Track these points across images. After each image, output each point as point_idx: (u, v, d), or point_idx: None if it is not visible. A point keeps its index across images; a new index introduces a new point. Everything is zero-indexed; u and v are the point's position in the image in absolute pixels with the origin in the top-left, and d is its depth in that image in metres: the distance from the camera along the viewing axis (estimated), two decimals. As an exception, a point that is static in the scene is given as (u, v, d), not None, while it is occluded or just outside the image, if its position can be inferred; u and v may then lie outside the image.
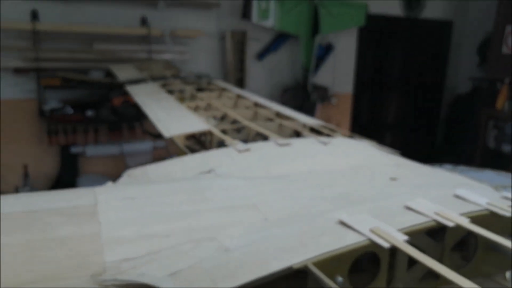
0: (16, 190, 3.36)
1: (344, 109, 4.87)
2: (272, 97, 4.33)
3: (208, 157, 1.05)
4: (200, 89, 2.08)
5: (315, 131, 1.36)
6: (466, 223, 0.63)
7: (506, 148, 4.42)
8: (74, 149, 3.61)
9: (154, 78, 2.21)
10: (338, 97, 4.73)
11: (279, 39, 4.24)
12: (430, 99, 5.59)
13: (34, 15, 3.24)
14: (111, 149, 3.73)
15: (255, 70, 4.20)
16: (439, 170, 1.07)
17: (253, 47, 4.14)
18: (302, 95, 4.26)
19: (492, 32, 4.49)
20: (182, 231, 0.66)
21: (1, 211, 0.68)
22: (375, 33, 4.97)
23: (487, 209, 0.69)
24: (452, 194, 0.76)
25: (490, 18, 4.50)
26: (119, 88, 3.14)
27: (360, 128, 5.29)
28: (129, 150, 3.80)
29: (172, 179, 0.93)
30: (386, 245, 0.58)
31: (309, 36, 4.11)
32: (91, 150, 3.65)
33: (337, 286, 0.53)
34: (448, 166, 1.22)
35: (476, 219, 0.67)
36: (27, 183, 3.40)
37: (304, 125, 1.38)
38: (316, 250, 0.58)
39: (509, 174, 1.21)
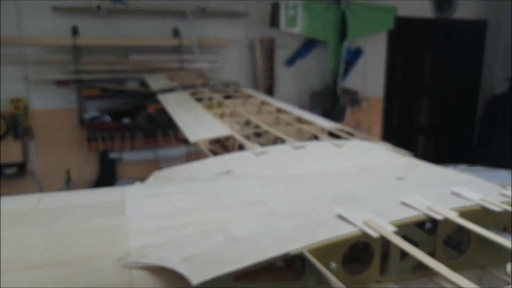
0: (61, 193, 3.61)
1: (375, 113, 4.83)
2: (301, 102, 4.40)
3: (227, 160, 1.14)
4: (227, 97, 2.19)
5: (333, 134, 1.42)
6: (454, 216, 0.68)
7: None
8: (112, 155, 3.83)
9: (184, 87, 2.34)
10: (369, 101, 4.71)
11: (308, 45, 4.29)
12: (465, 101, 5.45)
13: (75, 31, 3.49)
14: (147, 155, 3.92)
15: (284, 76, 4.27)
16: (450, 170, 1.10)
17: (282, 54, 4.22)
18: (332, 100, 4.29)
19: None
20: (196, 223, 0.75)
21: (45, 206, 0.80)
22: (406, 35, 4.91)
23: (479, 204, 0.74)
24: (450, 191, 0.80)
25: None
26: (153, 96, 3.32)
27: (391, 131, 5.24)
28: (164, 156, 3.98)
29: (192, 179, 1.03)
30: (375, 235, 0.64)
31: (337, 41, 4.14)
32: (128, 156, 3.86)
33: (327, 271, 0.60)
34: (463, 166, 1.24)
35: (467, 213, 0.71)
36: (69, 186, 3.64)
37: (322, 129, 1.45)
38: (313, 239, 0.65)
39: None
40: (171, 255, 0.67)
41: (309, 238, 0.66)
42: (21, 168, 3.61)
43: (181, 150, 3.93)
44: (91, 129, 3.61)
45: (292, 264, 0.70)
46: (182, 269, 0.63)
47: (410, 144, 5.53)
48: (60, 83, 3.55)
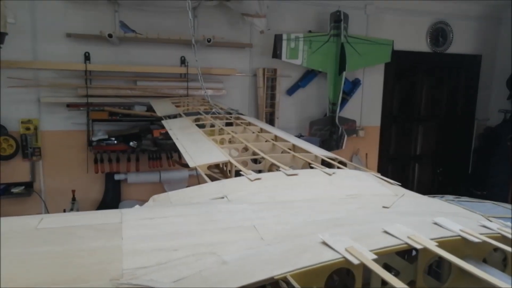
0: (64, 212, 3.65)
1: (372, 141, 4.93)
2: (301, 130, 4.48)
3: (223, 185, 1.18)
4: (228, 124, 2.25)
5: (325, 163, 1.47)
6: (433, 246, 0.71)
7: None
8: (117, 177, 3.89)
9: (187, 114, 2.41)
10: (366, 129, 4.80)
11: (308, 75, 4.43)
12: (461, 131, 5.60)
13: (87, 57, 3.62)
14: (151, 177, 3.99)
15: (285, 104, 4.37)
16: (435, 200, 1.13)
17: (283, 83, 4.34)
18: (330, 128, 4.36)
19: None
20: (188, 246, 0.78)
21: (44, 226, 0.85)
22: (403, 67, 5.08)
23: (459, 235, 0.77)
24: (432, 221, 0.84)
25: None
26: (158, 121, 3.40)
27: (388, 159, 5.32)
28: (167, 178, 4.04)
29: (188, 203, 1.07)
30: (356, 262, 0.68)
31: (336, 72, 4.25)
32: (132, 178, 3.92)
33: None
34: (450, 197, 1.27)
35: (447, 243, 0.75)
36: (74, 206, 3.69)
37: (316, 157, 1.49)
38: (297, 264, 0.69)
39: (508, 205, 1.24)
40: (162, 276, 0.70)
41: (294, 263, 0.69)
42: (28, 188, 3.68)
43: (184, 173, 3.99)
44: (98, 151, 3.69)
45: (278, 286, 0.73)
46: (171, 290, 0.66)
47: (405, 171, 5.62)
48: (70, 106, 3.66)
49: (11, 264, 0.70)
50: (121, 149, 3.74)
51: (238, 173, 1.35)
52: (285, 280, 0.67)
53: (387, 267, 0.78)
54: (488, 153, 5.28)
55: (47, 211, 3.82)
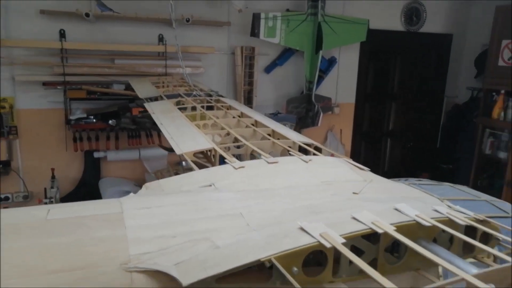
0: (45, 191, 3.69)
1: (347, 118, 5.11)
2: (278, 107, 4.60)
3: (209, 173, 1.29)
4: (209, 107, 2.33)
5: (303, 149, 1.60)
6: (391, 230, 0.86)
7: (501, 155, 4.64)
8: (97, 154, 3.93)
9: (168, 96, 2.47)
10: (341, 106, 4.97)
11: (285, 53, 4.50)
12: (431, 109, 5.85)
13: (62, 34, 3.56)
14: (130, 154, 4.04)
15: (263, 82, 4.45)
16: (400, 185, 1.29)
17: (261, 62, 4.40)
18: (307, 106, 4.50)
19: (489, 46, 4.69)
20: (184, 233, 0.90)
21: (53, 217, 0.94)
22: (377, 46, 5.21)
23: (414, 220, 0.91)
24: (393, 208, 0.98)
25: (487, 32, 4.70)
26: (137, 99, 3.43)
27: (362, 135, 5.55)
28: (146, 155, 4.11)
29: (180, 192, 1.18)
30: (328, 245, 0.81)
31: (313, 51, 4.34)
32: (112, 155, 3.97)
33: (289, 275, 0.76)
34: (413, 180, 1.43)
35: (403, 228, 0.89)
36: (54, 185, 3.72)
37: (294, 143, 1.61)
38: (279, 248, 0.82)
39: (462, 187, 1.42)
40: (164, 260, 0.82)
41: (276, 247, 0.82)
42: (6, 166, 3.67)
43: (163, 150, 4.06)
44: (77, 129, 3.70)
45: (263, 268, 0.86)
46: (174, 272, 0.78)
47: (378, 147, 5.88)
48: (47, 84, 3.62)
49: (28, 254, 0.79)
50: (100, 127, 3.75)
51: (222, 157, 1.46)
52: (269, 261, 0.80)
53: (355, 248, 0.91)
54: (455, 130, 5.57)
55: (26, 189, 3.84)
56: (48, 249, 0.82)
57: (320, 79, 4.75)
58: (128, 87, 3.60)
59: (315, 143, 1.65)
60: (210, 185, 1.22)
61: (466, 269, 0.76)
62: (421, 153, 5.90)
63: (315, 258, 0.89)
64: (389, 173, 5.72)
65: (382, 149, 5.92)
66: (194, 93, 2.50)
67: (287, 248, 0.81)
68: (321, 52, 4.39)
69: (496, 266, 0.74)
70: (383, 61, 5.51)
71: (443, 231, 0.92)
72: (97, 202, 1.05)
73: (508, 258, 0.80)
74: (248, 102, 4.36)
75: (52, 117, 3.77)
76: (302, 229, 0.88)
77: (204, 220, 0.96)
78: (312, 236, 0.84)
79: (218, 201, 1.07)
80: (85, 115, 3.71)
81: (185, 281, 0.75)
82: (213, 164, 1.53)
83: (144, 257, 0.82)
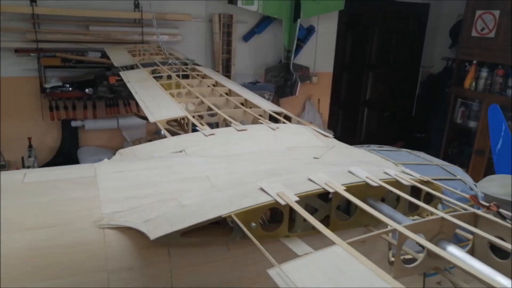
0: (22, 160, 3.69)
1: (324, 87, 5.18)
2: (257, 76, 4.62)
3: (181, 140, 1.36)
4: (185, 75, 2.36)
5: (273, 117, 1.67)
6: (341, 190, 0.95)
7: (471, 124, 4.83)
8: (74, 123, 3.92)
9: (144, 65, 2.48)
10: (319, 76, 5.02)
11: (264, 22, 4.48)
12: (407, 78, 5.98)
13: (33, -1, 3.46)
14: (108, 123, 4.04)
15: (241, 51, 4.45)
16: (360, 150, 1.38)
17: (239, 30, 4.38)
18: (285, 75, 4.54)
19: (464, 16, 4.76)
20: (154, 194, 0.98)
21: (29, 181, 1.00)
22: (355, 16, 5.24)
23: (364, 181, 1.01)
24: (347, 171, 1.07)
25: (463, 2, 4.76)
26: (114, 67, 3.41)
27: (339, 104, 5.65)
28: (125, 124, 4.12)
29: (151, 157, 1.24)
30: (283, 203, 0.90)
31: (291, 19, 4.34)
32: (90, 124, 3.96)
33: (247, 229, 0.85)
34: (374, 147, 1.53)
35: (354, 188, 0.99)
36: (32, 154, 3.72)
37: (265, 112, 1.68)
38: (239, 206, 0.90)
39: (420, 153, 1.53)
40: (134, 218, 0.90)
41: (237, 205, 0.90)
42: (-20, 136, 3.63)
43: (141, 120, 4.07)
44: (53, 98, 3.66)
45: (225, 223, 0.95)
46: (143, 228, 0.86)
47: (355, 116, 6.02)
48: (19, 51, 3.54)
49: (6, 213, 0.86)
50: (77, 96, 3.73)
51: (195, 126, 1.52)
52: (230, 218, 0.88)
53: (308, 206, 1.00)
54: (429, 99, 5.73)
55: (3, 159, 3.83)
56: (25, 208, 0.88)
57: (298, 48, 4.77)
58: (104, 55, 3.56)
59: (285, 112, 1.73)
60: (181, 151, 1.28)
61: (401, 222, 0.87)
62: (397, 122, 6.07)
63: (279, 215, 0.98)
64: (366, 142, 5.88)
65: (359, 118, 6.06)
66: (170, 61, 2.52)
67: (246, 205, 0.90)
68: (299, 20, 4.39)
69: (426, 218, 0.85)
70: (361, 30, 5.54)
71: (390, 191, 1.02)
72: (71, 167, 1.11)
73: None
74: (227, 70, 4.37)
75: (27, 85, 3.71)
76: (261, 189, 0.96)
77: (172, 183, 1.04)
78: (270, 195, 0.93)
79: (187, 166, 1.14)
80: (60, 84, 3.67)
81: (152, 236, 0.83)
82: (186, 132, 1.59)
83: (116, 216, 0.90)
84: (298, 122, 1.62)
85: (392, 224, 0.81)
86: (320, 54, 5.07)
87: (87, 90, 3.73)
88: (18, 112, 3.75)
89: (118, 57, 2.89)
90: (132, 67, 2.54)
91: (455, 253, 0.77)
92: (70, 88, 3.70)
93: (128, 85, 2.13)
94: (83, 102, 3.82)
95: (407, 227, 0.78)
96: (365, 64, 5.77)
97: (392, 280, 0.63)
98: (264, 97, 4.01)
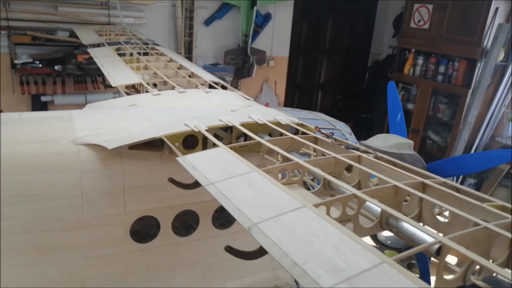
0: None
1: (281, 71, 5.67)
2: (217, 59, 5.06)
3: (135, 98, 1.82)
4: (145, 53, 2.79)
5: (212, 87, 2.14)
6: (238, 125, 1.44)
7: (409, 106, 5.47)
8: (44, 98, 4.22)
9: (109, 43, 2.89)
10: (276, 59, 5.51)
11: (224, 7, 4.91)
12: (358, 64, 6.56)
13: (4, -20, 3.73)
14: (77, 99, 4.36)
15: (203, 34, 4.87)
16: (271, 109, 1.89)
17: (201, 15, 4.79)
18: (243, 58, 5.01)
19: (404, 9, 5.36)
20: (112, 127, 1.44)
21: (25, 117, 1.44)
22: (310, 4, 5.72)
23: (255, 121, 1.51)
24: (248, 116, 1.57)
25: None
26: (82, 46, 3.76)
27: (295, 87, 6.18)
28: (92, 100, 4.45)
29: (111, 108, 1.70)
30: (196, 130, 1.38)
31: (248, 6, 4.80)
32: (59, 99, 4.28)
33: (173, 146, 1.33)
34: (288, 109, 2.04)
35: (248, 125, 1.48)
36: (4, 126, 4.02)
37: (205, 82, 2.16)
38: (168, 132, 1.38)
39: (318, 114, 2.05)
40: (99, 139, 1.36)
41: (167, 131, 1.38)
42: (-46, 107, 3.90)
43: (108, 95, 4.41)
44: (23, 74, 3.97)
45: (159, 145, 1.42)
46: (104, 144, 1.33)
47: (310, 98, 6.57)
48: (-10, 28, 3.81)
49: (11, 134, 1.30)
50: (47, 72, 4.03)
51: (147, 91, 1.98)
52: (161, 139, 1.36)
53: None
54: (374, 83, 6.34)
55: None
56: (24, 131, 1.33)
57: (256, 33, 5.22)
58: (73, 35, 3.90)
59: (222, 82, 2.21)
60: (134, 105, 1.75)
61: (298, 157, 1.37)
62: (348, 104, 6.66)
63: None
64: (318, 121, 6.46)
65: (314, 100, 6.62)
66: (132, 41, 2.93)
67: (173, 132, 1.38)
68: (256, 7, 4.84)
69: (324, 157, 1.34)
70: (316, 18, 6.05)
71: (274, 129, 1.52)
72: (54, 111, 1.55)
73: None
74: (189, 52, 4.79)
75: (-2, 61, 3.99)
76: (185, 124, 1.44)
77: (126, 121, 1.50)
78: (189, 126, 1.41)
79: (137, 113, 1.61)
80: (31, 60, 3.98)
81: (110, 146, 1.30)
82: (141, 95, 2.04)
83: (86, 138, 1.36)
84: (232, 91, 2.11)
85: (294, 158, 1.30)
86: (276, 40, 5.53)
87: (56, 67, 4.05)
88: (-11, 86, 4.03)
89: (86, 36, 3.27)
90: (99, 45, 2.93)
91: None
92: (40, 65, 4.01)
93: (95, 59, 2.55)
94: (52, 78, 4.13)
95: (308, 162, 1.28)
96: (319, 50, 6.30)
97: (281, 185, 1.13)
98: (224, 79, 4.49)
